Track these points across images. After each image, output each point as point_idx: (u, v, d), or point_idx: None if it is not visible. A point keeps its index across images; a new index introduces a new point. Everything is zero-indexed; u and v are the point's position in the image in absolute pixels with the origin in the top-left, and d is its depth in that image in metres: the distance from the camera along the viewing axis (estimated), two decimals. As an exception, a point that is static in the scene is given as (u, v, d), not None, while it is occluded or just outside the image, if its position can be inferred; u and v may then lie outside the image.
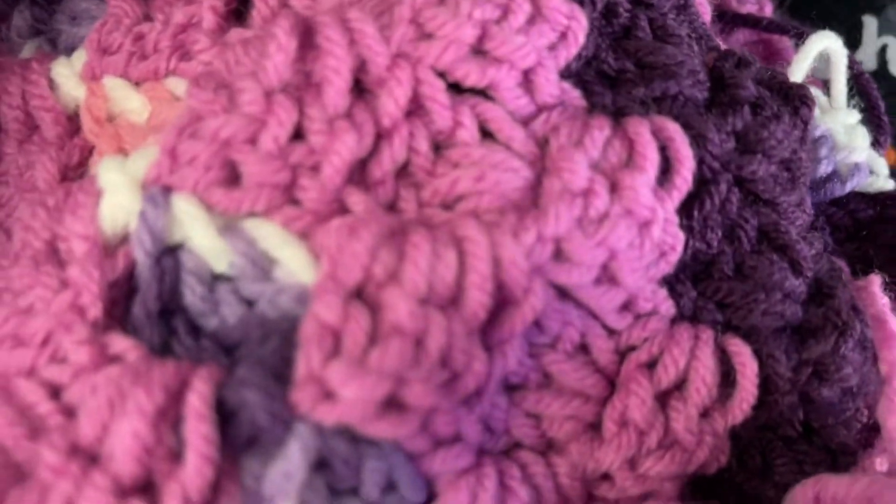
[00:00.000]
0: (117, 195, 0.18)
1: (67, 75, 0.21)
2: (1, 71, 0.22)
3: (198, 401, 0.15)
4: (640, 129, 0.19)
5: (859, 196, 0.28)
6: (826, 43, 0.28)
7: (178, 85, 0.20)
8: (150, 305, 0.17)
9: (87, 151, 0.21)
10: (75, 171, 0.21)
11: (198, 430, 0.15)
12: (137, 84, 0.21)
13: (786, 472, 0.21)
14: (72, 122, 0.22)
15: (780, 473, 0.21)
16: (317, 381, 0.16)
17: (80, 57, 0.22)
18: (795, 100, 0.22)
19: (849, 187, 0.28)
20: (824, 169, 0.27)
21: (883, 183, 0.29)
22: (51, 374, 0.17)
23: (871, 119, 0.31)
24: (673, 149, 0.20)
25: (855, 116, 0.29)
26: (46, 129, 0.21)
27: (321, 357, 0.16)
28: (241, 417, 0.16)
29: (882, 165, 0.29)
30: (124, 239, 0.18)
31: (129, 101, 0.21)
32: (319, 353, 0.16)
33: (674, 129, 0.20)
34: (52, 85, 0.22)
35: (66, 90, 0.21)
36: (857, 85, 0.31)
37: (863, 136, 0.28)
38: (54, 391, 0.17)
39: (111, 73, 0.21)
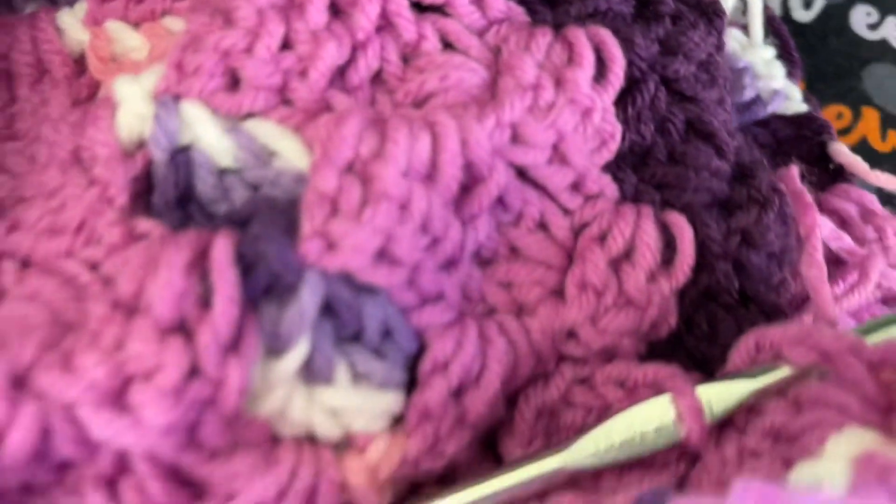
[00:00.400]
0: (132, 105, 0.21)
1: (72, 22, 0.24)
2: (8, 26, 0.25)
3: (221, 252, 0.18)
4: (578, 34, 0.23)
5: (779, 118, 0.32)
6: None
7: (173, 22, 0.23)
8: (168, 195, 0.20)
9: (93, 88, 0.24)
10: (84, 105, 0.24)
11: (223, 277, 0.18)
12: (136, 25, 0.24)
13: (728, 333, 0.24)
14: (77, 64, 0.24)
15: (723, 335, 0.24)
16: (321, 234, 0.19)
17: (82, 7, 0.24)
18: (709, 12, 0.25)
19: (770, 110, 0.31)
20: (748, 94, 0.31)
21: (798, 106, 0.32)
22: (87, 254, 0.19)
23: (783, 55, 0.35)
24: (605, 51, 0.23)
25: (771, 52, 0.33)
26: (56, 69, 0.24)
27: (323, 216, 0.19)
28: (259, 268, 0.18)
29: (796, 91, 0.33)
30: (139, 145, 0.21)
31: (130, 41, 0.23)
32: (321, 213, 0.19)
33: (605, 34, 0.23)
34: (58, 32, 0.24)
35: (71, 35, 0.24)
36: (770, 27, 0.35)
37: (778, 68, 0.32)
38: (92, 266, 0.19)
39: (111, 18, 0.24)
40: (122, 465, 0.19)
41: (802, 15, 0.38)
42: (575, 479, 0.22)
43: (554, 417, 0.23)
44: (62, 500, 0.19)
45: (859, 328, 0.23)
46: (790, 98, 0.32)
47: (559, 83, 0.22)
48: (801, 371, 0.22)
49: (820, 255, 0.24)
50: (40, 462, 0.18)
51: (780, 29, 0.37)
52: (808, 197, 0.25)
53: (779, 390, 0.22)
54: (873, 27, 0.38)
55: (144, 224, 0.20)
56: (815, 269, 0.23)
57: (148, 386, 0.17)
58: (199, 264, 0.18)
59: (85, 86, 0.24)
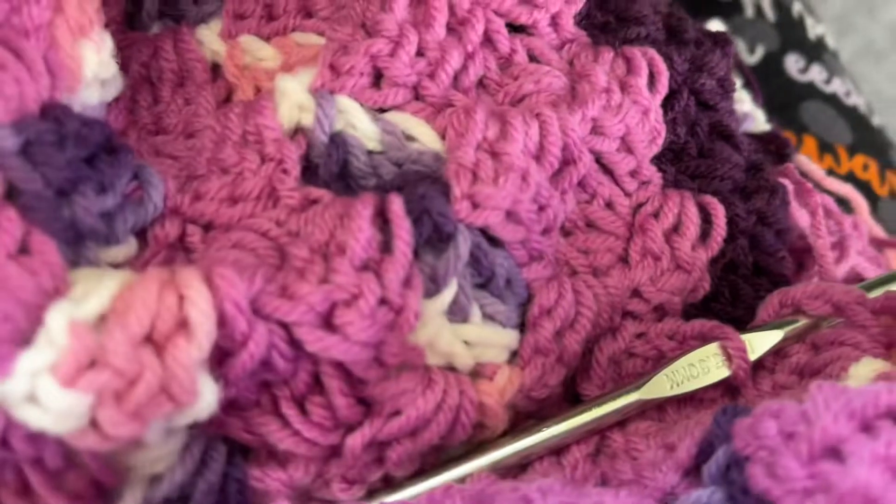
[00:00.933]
0: (293, 98, 0.25)
1: (210, 36, 0.28)
2: (147, 40, 0.29)
3: (398, 207, 0.22)
4: (634, 52, 0.29)
5: (749, 134, 0.39)
6: (718, 27, 0.39)
7: (301, 37, 0.28)
8: (331, 170, 0.25)
9: (228, 92, 0.28)
10: (223, 105, 0.28)
11: (401, 226, 0.22)
12: (267, 39, 0.28)
13: (748, 297, 0.30)
14: (213, 71, 0.28)
15: (744, 299, 0.30)
16: (468, 196, 0.23)
17: (217, 24, 0.29)
18: (721, 41, 0.32)
19: (744, 127, 0.38)
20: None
21: (763, 126, 0.39)
22: (270, 214, 0.24)
23: (746, 85, 0.42)
24: (655, 65, 0.29)
25: (739, 81, 0.40)
26: (198, 75, 0.28)
27: (468, 182, 0.24)
28: (423, 221, 0.23)
29: (760, 114, 0.40)
30: (296, 130, 0.25)
31: (263, 52, 0.28)
32: (466, 180, 0.24)
33: (653, 52, 0.29)
34: (198, 44, 0.28)
35: (208, 47, 0.28)
36: (736, 63, 0.43)
37: (746, 95, 0.39)
38: (277, 223, 0.23)
39: (246, 33, 0.28)
40: (312, 385, 0.22)
41: (748, 58, 0.46)
42: (644, 412, 0.27)
43: (619, 365, 0.28)
44: (256, 419, 0.22)
45: (861, 285, 0.29)
46: (756, 119, 0.39)
47: (624, 88, 0.28)
48: (817, 320, 0.28)
49: (824, 228, 0.30)
50: (255, 377, 0.21)
51: (742, 65, 0.44)
52: (809, 184, 0.32)
53: (799, 336, 0.28)
54: (802, 71, 0.46)
55: (316, 192, 0.24)
56: (821, 239, 0.30)
57: (350, 310, 0.21)
58: (379, 217, 0.23)
59: (222, 88, 0.28)
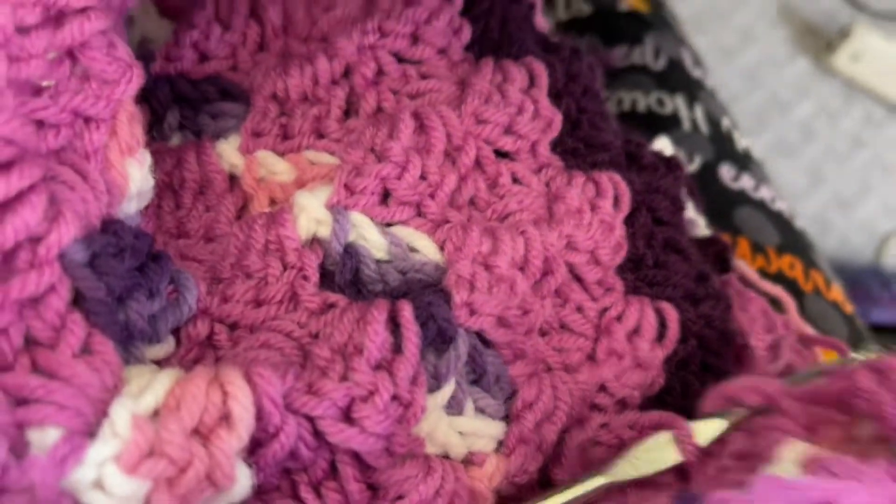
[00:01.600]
0: (311, 212, 0.28)
1: (229, 150, 0.31)
2: (171, 150, 0.32)
3: (408, 312, 0.26)
4: (601, 177, 0.33)
5: (692, 239, 0.43)
6: (664, 144, 0.44)
7: (314, 155, 0.31)
8: (345, 277, 0.28)
9: (244, 201, 0.31)
10: (240, 212, 0.31)
11: (410, 329, 0.26)
12: (281, 155, 0.32)
13: (696, 391, 0.34)
14: (231, 182, 0.32)
15: (693, 393, 0.34)
16: (467, 304, 0.27)
17: (236, 139, 0.32)
18: (674, 165, 0.37)
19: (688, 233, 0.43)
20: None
21: (704, 231, 0.44)
22: (292, 317, 0.27)
23: (690, 193, 0.47)
24: (618, 188, 0.33)
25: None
26: (217, 185, 0.31)
27: (467, 291, 0.27)
28: (429, 325, 0.26)
29: (702, 220, 0.45)
30: (312, 241, 0.28)
31: (278, 167, 0.31)
32: (465, 290, 0.27)
33: (617, 177, 0.34)
34: (218, 157, 0.32)
35: (227, 160, 0.31)
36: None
37: (690, 202, 0.44)
38: (299, 325, 0.26)
39: (262, 149, 0.32)
40: (328, 473, 0.25)
41: (688, 167, 0.51)
42: (609, 496, 0.30)
43: (586, 452, 0.32)
44: (277, 502, 0.25)
45: (788, 379, 0.33)
46: (699, 225, 0.44)
47: (593, 208, 0.32)
48: (752, 411, 0.32)
49: (762, 331, 0.35)
50: (281, 464, 0.24)
51: (686, 176, 0.50)
52: (751, 294, 0.36)
53: (737, 425, 0.32)
54: (734, 180, 0.52)
55: (333, 297, 0.27)
56: (761, 342, 0.34)
57: (367, 405, 0.24)
58: (391, 321, 0.26)
59: (239, 198, 0.31)
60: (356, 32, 0.32)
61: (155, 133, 0.33)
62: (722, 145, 0.55)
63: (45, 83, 0.24)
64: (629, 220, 0.34)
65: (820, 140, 1.45)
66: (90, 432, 0.21)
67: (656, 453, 0.31)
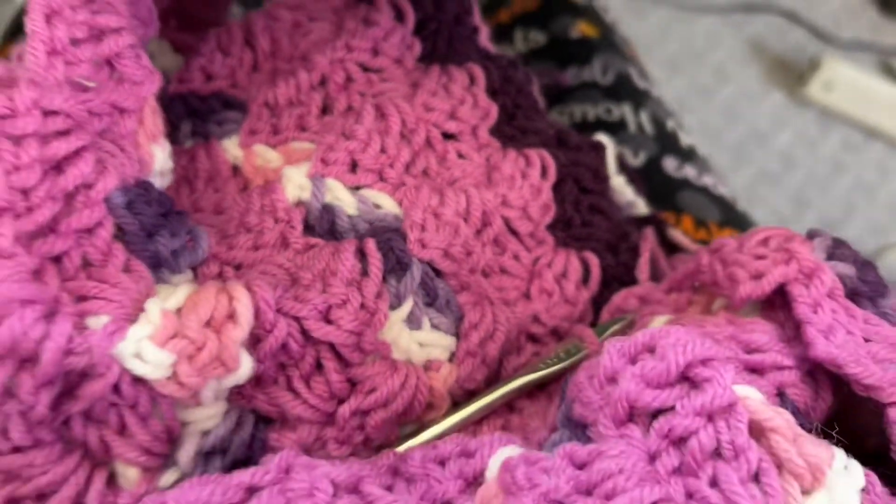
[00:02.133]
0: (295, 182, 0.37)
1: (231, 146, 0.40)
2: (186, 151, 0.40)
3: (372, 246, 0.34)
4: (530, 152, 0.41)
5: (633, 217, 0.51)
6: (605, 139, 0.52)
7: (298, 144, 0.40)
8: (323, 228, 0.36)
9: (244, 184, 0.39)
10: (241, 192, 0.39)
11: (375, 258, 0.33)
12: (273, 147, 0.40)
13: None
14: (234, 170, 0.40)
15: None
16: (419, 241, 0.35)
17: (236, 138, 0.40)
18: (595, 145, 0.45)
19: (628, 212, 0.51)
20: (616, 202, 0.50)
21: (644, 210, 0.52)
22: (285, 255, 0.34)
23: (631, 181, 0.55)
24: (545, 160, 0.41)
25: (623, 179, 0.53)
26: (223, 172, 0.39)
27: (419, 231, 0.35)
28: (389, 255, 0.34)
29: (641, 202, 0.52)
30: (297, 202, 0.37)
31: (270, 155, 0.39)
32: (417, 230, 0.35)
33: (544, 152, 0.41)
34: (224, 152, 0.40)
35: (230, 153, 0.40)
36: (621, 164, 0.56)
37: (629, 188, 0.52)
38: (288, 259, 0.34)
39: (257, 143, 0.40)
40: (314, 368, 0.33)
41: (633, 161, 0.59)
42: (533, 395, 0.37)
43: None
44: (275, 392, 0.32)
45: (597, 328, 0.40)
46: (638, 206, 0.52)
47: (524, 175, 0.40)
48: (633, 314, 0.39)
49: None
50: (276, 358, 0.32)
51: (625, 166, 0.57)
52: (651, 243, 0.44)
53: (630, 325, 0.39)
54: (678, 170, 0.59)
55: (314, 240, 0.35)
56: (644, 274, 0.41)
57: (342, 309, 0.32)
58: (359, 253, 0.34)
59: (241, 181, 0.39)
60: (328, 49, 0.41)
61: (172, 140, 0.41)
62: (666, 142, 0.62)
63: (90, 84, 0.32)
64: (557, 188, 0.42)
65: (801, 167, 1.53)
66: (131, 320, 0.29)
67: (567, 354, 0.37)
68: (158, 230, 0.32)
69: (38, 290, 0.27)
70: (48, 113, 0.28)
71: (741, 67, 1.58)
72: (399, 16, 0.43)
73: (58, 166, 0.29)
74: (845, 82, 1.53)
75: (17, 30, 0.60)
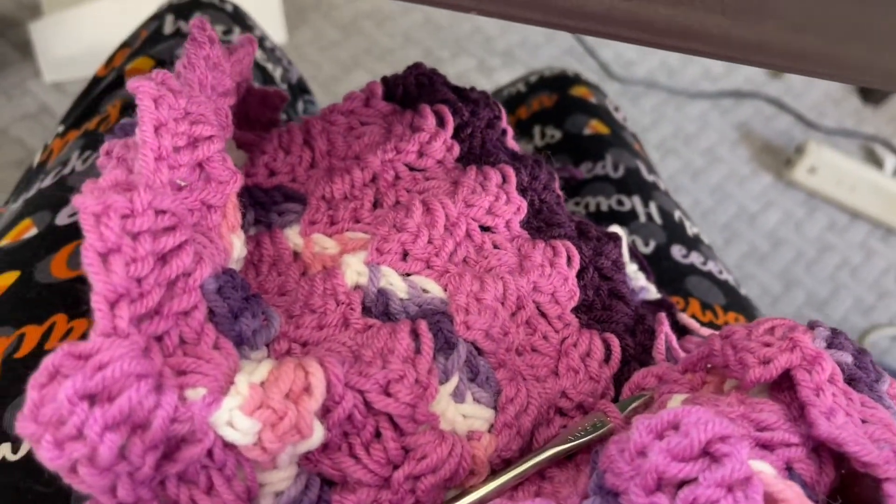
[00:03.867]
0: (354, 268, 0.41)
1: (292, 234, 0.45)
2: (252, 238, 0.45)
3: (424, 327, 0.38)
4: (556, 243, 0.46)
5: (645, 301, 0.56)
6: (620, 230, 0.58)
7: (352, 234, 0.45)
8: (379, 309, 0.40)
9: (304, 269, 0.44)
10: (301, 278, 0.44)
11: (426, 338, 0.38)
12: (329, 236, 0.45)
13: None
14: (294, 256, 0.45)
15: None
16: (464, 323, 0.39)
17: (297, 227, 0.45)
18: (613, 237, 0.50)
19: (641, 296, 0.56)
20: (631, 287, 0.55)
21: (655, 295, 0.57)
22: (346, 334, 0.39)
23: (642, 268, 0.60)
24: (570, 251, 0.46)
25: (635, 266, 0.58)
26: (286, 258, 0.44)
27: (464, 314, 0.40)
28: (438, 335, 0.38)
29: (652, 287, 0.57)
30: (355, 286, 0.41)
31: (327, 243, 0.44)
32: (462, 313, 0.40)
33: (569, 244, 0.47)
34: (286, 240, 0.45)
35: (292, 241, 0.45)
36: (632, 253, 0.61)
37: (641, 275, 0.57)
38: (350, 339, 0.39)
39: (316, 232, 0.45)
40: (374, 436, 0.37)
41: (643, 249, 0.64)
42: (563, 465, 0.41)
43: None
44: (339, 458, 0.36)
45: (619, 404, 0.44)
46: (650, 291, 0.57)
47: (552, 264, 0.45)
48: (652, 392, 0.43)
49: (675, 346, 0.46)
50: (342, 427, 0.36)
51: (637, 254, 0.62)
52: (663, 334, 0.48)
53: (648, 402, 0.43)
54: (685, 257, 0.64)
55: (372, 321, 0.40)
56: (661, 354, 0.46)
57: (399, 384, 0.36)
58: (412, 333, 0.38)
59: (301, 266, 0.44)
60: (379, 151, 0.46)
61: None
62: (673, 231, 0.68)
63: (183, 183, 0.37)
64: (580, 276, 0.47)
65: (789, 247, 1.59)
66: (223, 392, 0.33)
67: (592, 428, 0.41)
68: (242, 312, 0.36)
69: (149, 365, 0.31)
70: (159, 212, 0.33)
71: (731, 150, 1.65)
72: (440, 121, 0.48)
73: (164, 257, 0.33)
74: (829, 166, 1.60)
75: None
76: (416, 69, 0.51)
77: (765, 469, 0.32)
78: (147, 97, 0.36)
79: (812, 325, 0.40)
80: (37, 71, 1.34)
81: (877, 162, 1.66)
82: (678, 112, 1.65)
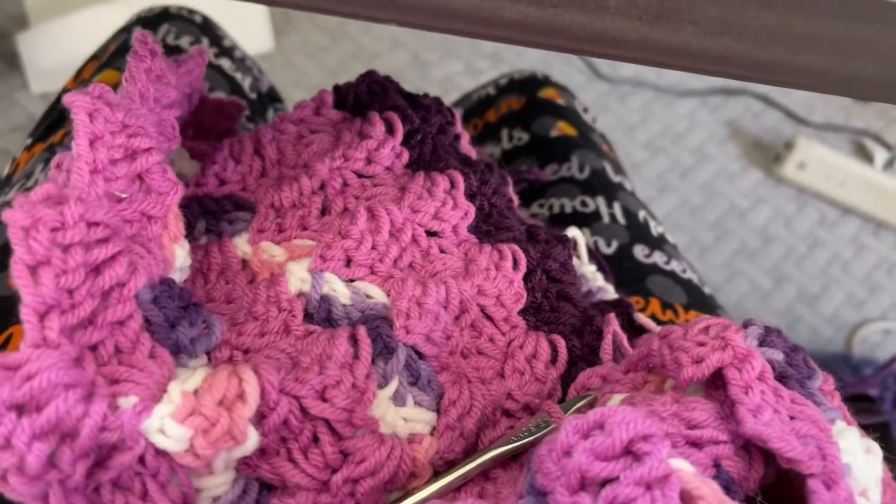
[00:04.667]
0: (297, 275, 0.42)
1: (241, 243, 0.45)
2: (200, 247, 0.46)
3: (363, 333, 0.39)
4: (503, 247, 0.47)
5: (603, 301, 0.56)
6: (576, 232, 0.58)
7: (300, 242, 0.45)
8: (322, 315, 0.41)
9: (252, 276, 0.45)
10: (249, 285, 0.44)
11: (364, 343, 0.38)
12: (278, 243, 0.45)
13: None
14: (243, 264, 0.45)
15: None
16: (404, 327, 0.40)
17: (245, 235, 0.46)
18: (564, 240, 0.50)
19: (598, 297, 0.56)
20: (585, 288, 0.55)
21: (612, 295, 0.57)
22: (287, 341, 0.40)
23: (600, 268, 0.60)
24: (517, 254, 0.47)
25: (593, 267, 0.58)
26: (234, 266, 0.45)
27: (404, 319, 0.40)
28: (377, 340, 0.39)
29: (610, 288, 0.58)
30: (298, 294, 0.42)
31: (275, 251, 0.45)
32: (403, 318, 0.40)
33: (516, 247, 0.47)
34: (234, 248, 0.45)
35: (240, 249, 0.45)
36: (591, 253, 0.61)
37: (599, 275, 0.58)
38: (290, 345, 0.39)
39: (264, 240, 0.46)
40: (311, 441, 0.37)
41: (605, 249, 0.65)
42: (507, 465, 0.42)
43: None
44: (277, 463, 0.37)
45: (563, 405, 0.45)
46: (608, 291, 0.57)
47: (497, 267, 0.46)
48: (595, 392, 0.44)
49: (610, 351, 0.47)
50: (278, 432, 0.36)
51: (596, 254, 0.63)
52: (614, 326, 0.49)
53: (592, 402, 0.43)
54: (647, 256, 0.65)
55: (313, 327, 0.40)
56: (607, 355, 0.46)
57: (336, 389, 0.37)
58: (351, 339, 0.39)
59: (249, 274, 0.45)
60: (327, 158, 0.47)
61: (188, 236, 0.47)
62: (637, 231, 0.68)
63: (123, 195, 0.38)
64: (527, 278, 0.47)
65: (779, 243, 1.59)
66: (156, 401, 0.34)
67: (536, 428, 0.42)
68: (179, 321, 0.37)
69: (79, 375, 0.32)
70: (91, 224, 0.34)
71: (720, 148, 1.65)
72: (390, 129, 0.49)
73: (97, 268, 0.34)
74: (819, 162, 1.60)
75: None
76: (369, 77, 0.51)
77: (684, 467, 0.32)
78: (82, 111, 0.36)
79: (746, 324, 0.40)
80: (24, 82, 1.36)
81: (867, 156, 1.66)
82: (667, 110, 1.65)
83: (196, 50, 0.48)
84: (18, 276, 0.32)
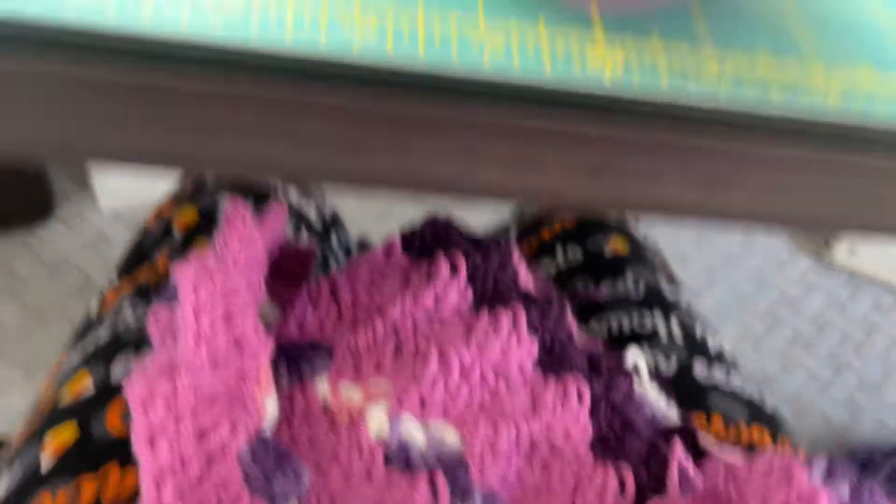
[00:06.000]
0: (377, 419, 0.45)
1: (321, 384, 0.49)
2: (285, 394, 0.49)
3: (442, 479, 0.41)
4: (570, 381, 0.49)
5: (667, 429, 0.58)
6: (636, 354, 0.60)
7: (375, 382, 0.48)
8: (400, 458, 0.44)
9: (332, 418, 0.48)
10: (331, 426, 0.47)
11: (443, 490, 0.41)
12: (355, 384, 0.49)
13: None
14: (325, 407, 0.49)
15: None
16: (479, 471, 0.43)
17: (324, 377, 0.49)
18: (623, 371, 0.53)
19: (661, 419, 0.58)
20: (649, 412, 0.57)
21: (675, 416, 0.59)
22: (366, 486, 0.42)
23: (662, 388, 0.62)
24: (581, 389, 0.49)
25: (658, 387, 0.60)
26: (315, 410, 0.48)
27: (479, 462, 0.43)
28: (454, 487, 0.42)
29: (674, 413, 0.60)
30: (378, 435, 0.45)
31: (352, 392, 0.48)
32: (478, 461, 0.43)
33: (581, 382, 0.50)
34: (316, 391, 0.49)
35: (320, 392, 0.49)
36: (654, 373, 0.63)
37: (663, 396, 0.59)
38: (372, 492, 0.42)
39: (342, 382, 0.49)
40: None
41: (665, 368, 0.66)
42: None
43: None
44: None
45: None
46: (670, 415, 0.59)
47: (563, 404, 0.48)
48: None
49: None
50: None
51: (659, 375, 0.65)
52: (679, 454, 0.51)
53: None
54: (707, 372, 0.66)
55: (393, 471, 0.43)
56: (675, 485, 0.48)
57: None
58: (431, 484, 0.41)
59: (330, 416, 0.48)
60: (399, 301, 0.51)
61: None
62: (694, 347, 0.70)
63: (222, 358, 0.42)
64: (593, 411, 0.50)
65: (835, 330, 1.58)
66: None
67: None
68: (274, 474, 0.40)
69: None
70: (199, 392, 0.38)
71: (766, 235, 1.67)
72: (454, 268, 0.53)
73: (203, 433, 0.38)
74: (870, 246, 1.60)
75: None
76: (433, 222, 0.55)
77: None
78: (187, 282, 0.41)
79: (809, 460, 0.42)
80: (94, 200, 1.44)
81: (918, 239, 1.65)
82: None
83: (277, 206, 0.53)
84: (137, 445, 0.35)
